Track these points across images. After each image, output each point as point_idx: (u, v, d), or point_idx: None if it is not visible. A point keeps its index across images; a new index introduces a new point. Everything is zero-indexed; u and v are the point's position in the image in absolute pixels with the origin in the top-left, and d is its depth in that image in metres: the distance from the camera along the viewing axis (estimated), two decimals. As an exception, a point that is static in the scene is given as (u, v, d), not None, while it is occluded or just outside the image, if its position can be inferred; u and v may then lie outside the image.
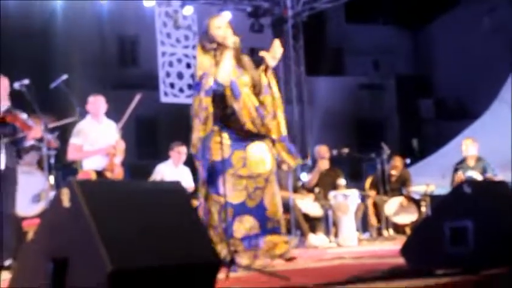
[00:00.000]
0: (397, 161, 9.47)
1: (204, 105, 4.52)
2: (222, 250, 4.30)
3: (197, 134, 4.61)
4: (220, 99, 4.59)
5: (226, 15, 4.95)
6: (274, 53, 4.73)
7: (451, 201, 3.99)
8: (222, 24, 4.74)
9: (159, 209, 2.49)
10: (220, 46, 4.65)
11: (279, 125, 4.83)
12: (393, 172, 9.37)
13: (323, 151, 8.91)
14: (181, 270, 2.42)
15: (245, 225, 4.63)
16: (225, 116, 4.62)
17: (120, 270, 2.22)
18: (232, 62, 4.69)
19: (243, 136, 4.70)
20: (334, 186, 8.48)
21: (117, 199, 2.43)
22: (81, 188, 2.33)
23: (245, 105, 4.68)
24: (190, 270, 2.45)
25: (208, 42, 4.70)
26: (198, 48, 4.79)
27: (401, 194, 9.22)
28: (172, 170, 7.91)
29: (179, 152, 8.01)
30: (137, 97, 6.82)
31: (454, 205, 3.88)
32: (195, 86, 4.69)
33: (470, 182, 4.55)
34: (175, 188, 2.61)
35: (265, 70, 4.81)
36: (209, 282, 2.53)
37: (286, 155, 4.87)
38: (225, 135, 4.60)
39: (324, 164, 8.62)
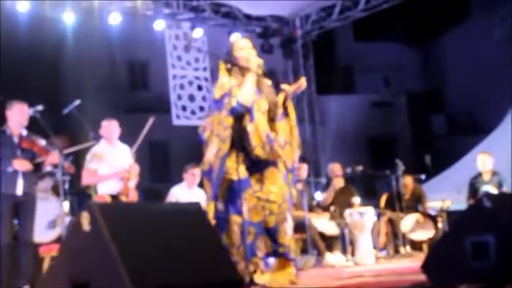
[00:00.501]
0: (407, 180, 9.34)
1: (225, 124, 4.56)
2: (244, 269, 4.28)
3: (214, 151, 4.61)
4: (238, 120, 4.63)
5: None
6: (298, 88, 4.81)
7: (471, 215, 3.95)
8: (245, 46, 4.83)
9: (178, 230, 2.48)
10: (243, 68, 4.70)
11: (289, 157, 4.84)
12: (404, 191, 9.25)
13: (337, 169, 8.87)
14: (203, 291, 2.40)
15: (266, 243, 4.65)
16: (240, 137, 4.64)
17: (142, 293, 2.20)
18: (254, 84, 4.71)
19: (257, 159, 4.70)
20: (349, 205, 8.44)
21: (136, 222, 2.41)
22: (101, 212, 2.32)
23: (257, 129, 4.70)
24: (212, 291, 2.43)
25: (230, 63, 4.75)
26: (221, 68, 4.80)
27: (416, 211, 9.14)
28: (186, 192, 7.88)
29: (193, 174, 7.99)
30: (150, 120, 6.83)
31: (475, 219, 3.85)
32: (214, 103, 4.70)
33: (490, 195, 4.50)
34: (194, 208, 2.60)
35: (285, 99, 4.84)
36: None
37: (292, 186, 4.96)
38: (243, 156, 4.63)
39: (339, 182, 8.58)
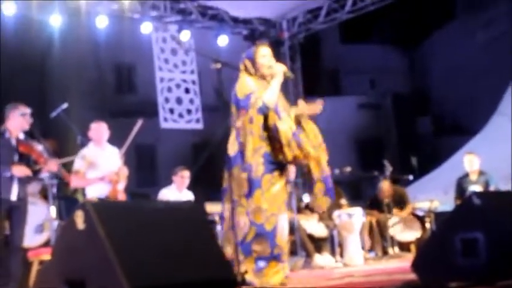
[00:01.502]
0: (384, 185, 9.13)
1: (258, 122, 4.71)
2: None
3: (250, 148, 4.72)
4: (265, 119, 4.76)
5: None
6: (313, 110, 5.03)
7: (461, 213, 3.98)
8: (267, 54, 4.98)
9: (174, 228, 2.48)
10: (265, 74, 4.88)
11: (320, 162, 4.92)
12: (382, 196, 9.16)
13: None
14: (198, 288, 2.40)
15: (262, 246, 4.70)
16: (262, 137, 4.76)
17: (137, 291, 2.20)
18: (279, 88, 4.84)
19: (275, 160, 4.79)
20: (337, 206, 8.45)
21: (131, 220, 2.42)
22: (96, 210, 2.32)
23: (285, 127, 4.80)
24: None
25: (253, 68, 4.92)
26: (242, 69, 4.95)
27: (401, 210, 9.09)
28: (176, 195, 7.87)
29: (182, 176, 7.99)
30: (139, 123, 6.81)
31: (464, 217, 3.88)
32: (240, 102, 4.80)
33: (479, 193, 4.54)
34: (189, 207, 2.60)
35: (299, 116, 5.01)
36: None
37: (322, 197, 4.98)
38: (261, 157, 4.74)
39: None
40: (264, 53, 4.98)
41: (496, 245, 3.64)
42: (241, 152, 4.72)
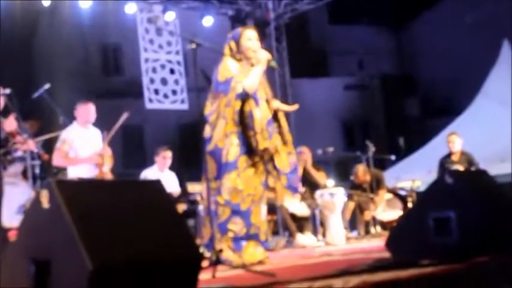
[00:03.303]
0: (359, 169, 9.22)
1: (235, 107, 4.71)
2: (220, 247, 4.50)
3: (220, 132, 4.73)
4: (242, 104, 4.77)
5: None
6: (288, 109, 5.20)
7: (434, 192, 4.02)
8: (253, 37, 4.93)
9: (139, 207, 2.49)
10: (249, 57, 4.85)
11: (286, 159, 4.95)
12: (357, 180, 9.19)
13: (304, 150, 8.79)
14: (163, 267, 2.42)
15: (238, 226, 4.73)
16: (242, 121, 4.78)
17: (101, 269, 2.22)
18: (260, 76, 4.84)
19: (250, 144, 4.82)
20: (321, 186, 8.48)
21: (96, 199, 2.42)
22: (60, 189, 2.33)
23: (260, 115, 4.82)
24: (172, 267, 2.45)
25: (237, 51, 4.89)
26: (226, 51, 4.92)
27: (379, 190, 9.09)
28: (157, 175, 7.86)
29: (164, 156, 8.00)
30: (124, 116, 6.81)
31: (437, 196, 3.92)
32: (219, 86, 4.79)
33: (452, 173, 4.58)
34: (154, 186, 2.62)
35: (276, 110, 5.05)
36: (192, 278, 2.53)
37: (282, 189, 4.98)
38: (236, 139, 4.76)
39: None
40: (249, 35, 4.93)
41: (467, 223, 3.68)
42: (211, 135, 4.76)
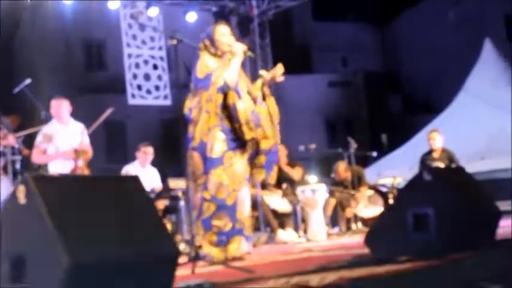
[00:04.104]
0: (340, 167, 9.18)
1: (217, 102, 4.72)
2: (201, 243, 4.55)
3: (204, 126, 4.74)
4: (224, 98, 4.78)
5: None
6: (275, 74, 5.03)
7: (413, 189, 4.05)
8: (226, 32, 4.98)
9: (116, 203, 2.49)
10: (225, 52, 4.89)
11: (272, 140, 4.98)
12: (337, 178, 9.20)
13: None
14: (139, 263, 2.42)
15: (222, 221, 4.75)
16: (219, 116, 4.78)
17: (77, 265, 2.21)
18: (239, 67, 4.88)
19: (236, 137, 4.83)
20: (302, 183, 8.50)
21: (73, 194, 2.42)
22: (37, 184, 2.32)
23: (244, 107, 4.83)
24: (149, 263, 2.46)
25: (213, 47, 4.91)
26: (202, 48, 4.93)
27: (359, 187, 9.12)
28: (139, 171, 7.83)
29: (145, 152, 7.97)
30: (108, 111, 6.78)
31: (416, 193, 3.95)
32: (199, 82, 4.80)
33: (430, 169, 4.61)
34: (131, 182, 2.61)
35: (263, 85, 5.04)
36: (168, 274, 2.54)
37: (258, 169, 5.03)
38: (222, 133, 4.78)
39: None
40: (222, 31, 4.97)
41: (444, 220, 3.72)
42: (194, 131, 4.77)
